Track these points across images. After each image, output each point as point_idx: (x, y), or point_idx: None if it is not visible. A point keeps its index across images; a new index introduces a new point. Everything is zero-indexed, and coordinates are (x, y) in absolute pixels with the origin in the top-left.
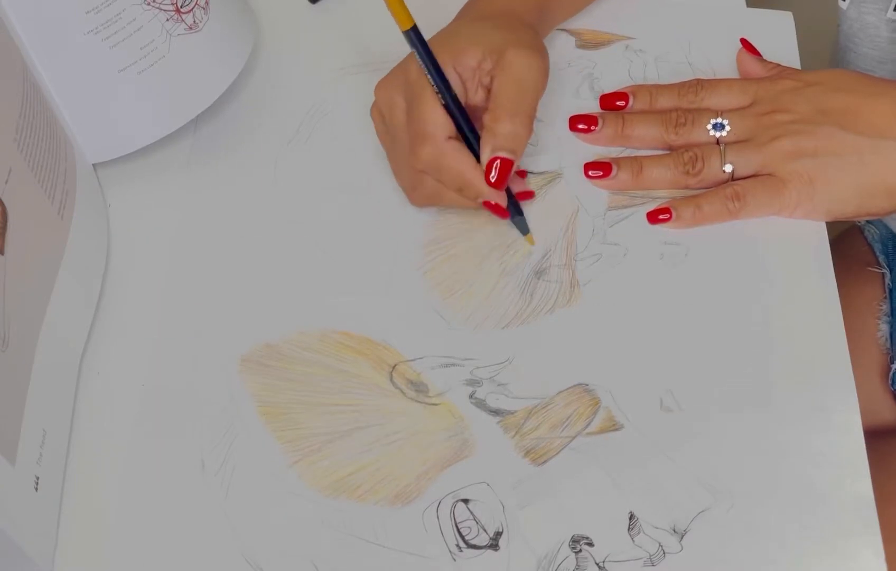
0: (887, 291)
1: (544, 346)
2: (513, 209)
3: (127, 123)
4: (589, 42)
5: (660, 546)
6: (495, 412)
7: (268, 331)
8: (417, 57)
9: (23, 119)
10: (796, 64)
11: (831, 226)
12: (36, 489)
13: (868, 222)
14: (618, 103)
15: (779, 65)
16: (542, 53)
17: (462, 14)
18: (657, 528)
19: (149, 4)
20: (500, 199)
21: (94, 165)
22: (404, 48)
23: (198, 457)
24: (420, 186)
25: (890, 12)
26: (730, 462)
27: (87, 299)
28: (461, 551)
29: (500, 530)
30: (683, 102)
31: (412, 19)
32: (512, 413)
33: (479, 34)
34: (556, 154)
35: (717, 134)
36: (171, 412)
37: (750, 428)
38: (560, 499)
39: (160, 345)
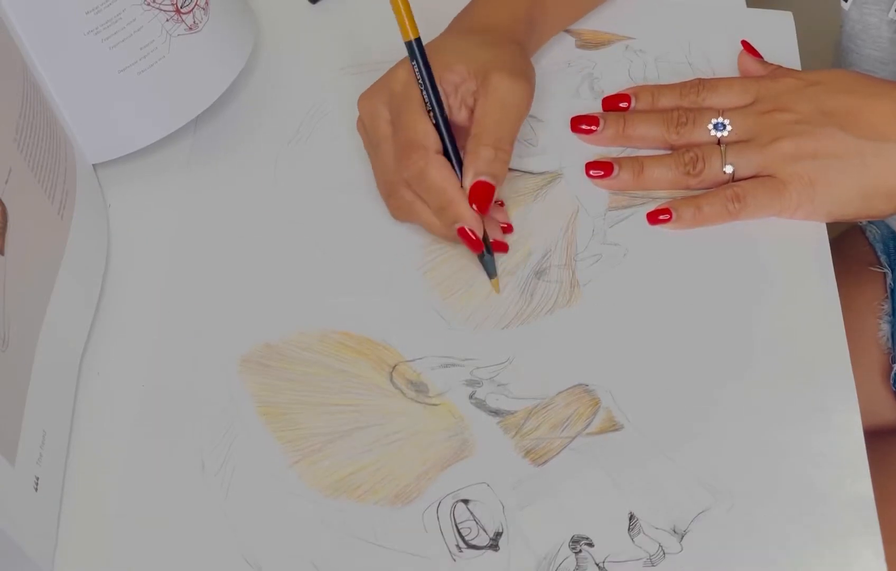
0: (888, 291)
1: (544, 346)
2: (486, 246)
3: (127, 123)
4: (589, 42)
5: (660, 546)
6: (495, 413)
7: (268, 331)
8: (415, 70)
9: (23, 119)
10: (797, 64)
11: (832, 226)
12: (36, 489)
13: (869, 222)
14: (620, 105)
15: (780, 66)
16: (526, 76)
17: (451, 26)
18: (657, 528)
19: (149, 5)
20: (478, 227)
21: (94, 165)
22: (404, 49)
23: (198, 457)
24: (397, 197)
25: (892, 13)
26: (730, 462)
27: (87, 299)
28: (461, 551)
29: (500, 530)
30: (685, 101)
31: (417, 31)
32: (512, 413)
33: (466, 51)
34: (556, 154)
35: (719, 134)
36: (171, 412)
37: (750, 428)
38: (560, 499)
39: (160, 345)
